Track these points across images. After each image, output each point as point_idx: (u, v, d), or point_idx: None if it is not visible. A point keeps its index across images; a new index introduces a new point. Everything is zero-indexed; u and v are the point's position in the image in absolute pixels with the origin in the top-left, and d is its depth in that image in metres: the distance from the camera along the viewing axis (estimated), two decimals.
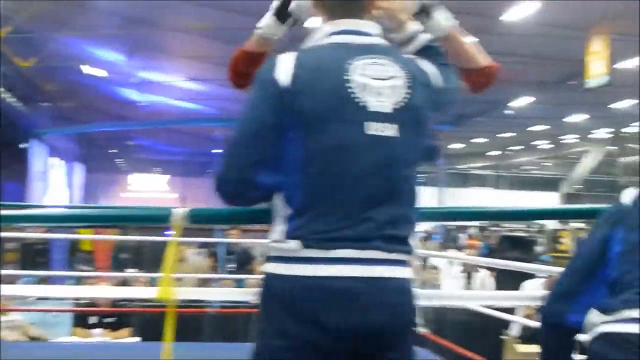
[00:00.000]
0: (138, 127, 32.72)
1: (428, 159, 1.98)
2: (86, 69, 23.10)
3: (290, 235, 1.78)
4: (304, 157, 1.79)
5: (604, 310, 1.82)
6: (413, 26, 2.13)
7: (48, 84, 24.41)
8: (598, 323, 1.82)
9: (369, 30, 1.94)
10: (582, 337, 1.93)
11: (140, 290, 3.04)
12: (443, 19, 2.20)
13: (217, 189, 1.87)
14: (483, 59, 2.39)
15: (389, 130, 1.79)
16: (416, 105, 1.85)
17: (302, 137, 1.79)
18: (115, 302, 7.09)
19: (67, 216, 3.77)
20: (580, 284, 1.94)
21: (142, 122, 31.59)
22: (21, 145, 25.64)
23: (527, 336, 6.91)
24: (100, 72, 24.07)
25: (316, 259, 1.75)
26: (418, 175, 1.90)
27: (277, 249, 1.80)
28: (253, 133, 1.83)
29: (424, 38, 2.12)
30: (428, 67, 1.96)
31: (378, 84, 1.81)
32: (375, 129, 1.78)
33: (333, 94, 1.79)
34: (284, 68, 1.82)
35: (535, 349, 6.55)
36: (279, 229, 1.82)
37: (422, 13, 2.19)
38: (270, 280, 1.81)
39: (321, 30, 1.95)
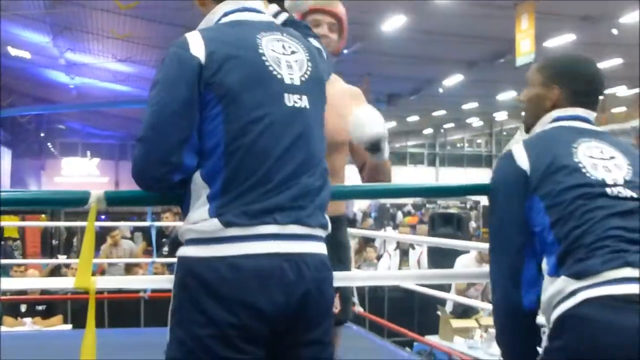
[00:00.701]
0: (67, 110, 32.06)
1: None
2: (10, 50, 22.59)
3: (213, 215, 1.71)
4: (226, 133, 1.74)
5: (579, 276, 1.81)
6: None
7: None
8: (573, 289, 1.81)
9: (263, 9, 1.97)
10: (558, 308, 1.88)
11: (63, 280, 2.98)
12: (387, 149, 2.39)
13: (139, 173, 1.80)
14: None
15: (302, 101, 1.83)
16: (319, 77, 1.92)
17: (222, 112, 1.75)
18: (44, 290, 6.96)
19: None
20: (519, 261, 1.96)
21: (71, 105, 31.02)
22: None
23: (460, 312, 7.06)
24: (24, 54, 23.55)
25: (239, 237, 1.70)
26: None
27: (197, 230, 1.73)
28: (175, 112, 1.74)
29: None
30: (315, 41, 2.05)
31: (287, 58, 1.85)
32: (292, 100, 1.80)
33: (253, 68, 1.79)
34: (197, 45, 1.77)
35: (468, 323, 6.73)
36: (199, 210, 1.75)
37: (374, 147, 2.35)
38: (191, 265, 1.73)
39: (218, 10, 1.91)
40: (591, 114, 2.14)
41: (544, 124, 2.14)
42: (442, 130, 41.57)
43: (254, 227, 1.71)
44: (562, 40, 19.89)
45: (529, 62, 15.53)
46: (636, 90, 29.28)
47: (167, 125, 1.75)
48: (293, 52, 1.87)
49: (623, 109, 31.52)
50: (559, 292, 1.83)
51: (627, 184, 1.93)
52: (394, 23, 18.30)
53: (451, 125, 39.74)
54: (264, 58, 1.80)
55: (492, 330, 6.19)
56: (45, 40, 21.79)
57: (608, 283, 1.78)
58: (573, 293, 1.80)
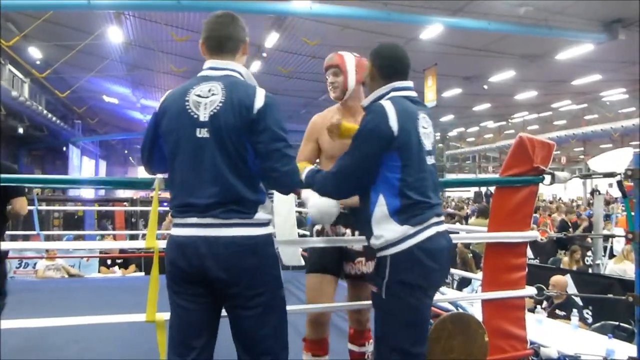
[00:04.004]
0: (141, 136, 31.87)
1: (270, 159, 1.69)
2: (105, 98, 22.49)
3: (171, 211, 1.77)
4: (167, 156, 1.77)
5: (415, 224, 1.78)
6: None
7: (79, 108, 23.55)
8: (413, 232, 1.78)
9: (227, 66, 1.78)
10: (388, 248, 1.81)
11: (138, 242, 2.95)
12: None
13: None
14: None
15: (205, 132, 1.67)
16: (224, 114, 1.67)
17: (163, 144, 1.78)
18: (123, 250, 6.86)
19: (84, 180, 3.73)
20: (355, 189, 1.88)
21: (144, 132, 30.85)
22: (63, 149, 24.87)
23: None
24: (114, 100, 23.39)
25: (177, 224, 1.71)
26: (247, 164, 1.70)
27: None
28: (145, 143, 1.86)
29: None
30: (260, 95, 1.72)
31: (203, 101, 1.70)
32: (200, 132, 1.68)
33: (177, 112, 1.72)
34: (160, 104, 1.81)
35: None
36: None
37: None
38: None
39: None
40: (410, 84, 1.95)
41: (383, 91, 1.91)
42: None
43: (183, 219, 1.70)
44: (452, 92, 20.06)
45: (433, 106, 15.67)
46: (500, 123, 29.65)
47: (142, 150, 1.89)
48: (213, 94, 1.70)
49: (490, 135, 31.81)
50: (403, 234, 1.79)
51: (432, 151, 1.89)
52: None
53: None
54: (186, 104, 1.70)
55: None
56: (127, 91, 21.64)
57: (429, 227, 1.81)
58: (414, 234, 1.79)
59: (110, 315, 2.14)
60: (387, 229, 1.80)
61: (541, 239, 2.46)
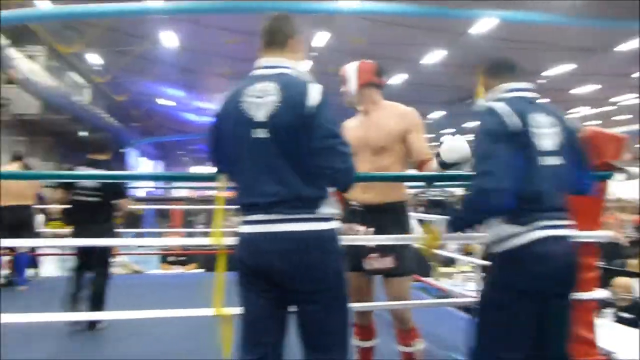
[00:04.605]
0: (196, 137, 32.53)
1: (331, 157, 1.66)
2: (160, 101, 23.17)
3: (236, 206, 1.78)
4: (228, 157, 1.77)
5: (522, 224, 1.72)
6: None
7: (136, 111, 24.38)
8: (512, 233, 1.72)
9: (280, 63, 1.77)
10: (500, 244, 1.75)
11: (202, 239, 3.06)
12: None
13: None
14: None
15: (264, 133, 1.67)
16: (282, 114, 1.66)
17: (223, 141, 1.77)
18: (184, 247, 7.06)
19: (156, 176, 4.16)
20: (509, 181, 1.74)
21: (198, 134, 31.49)
22: (121, 150, 25.79)
23: (445, 262, 6.91)
24: (170, 103, 24.06)
25: (243, 221, 1.74)
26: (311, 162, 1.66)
27: None
28: (209, 146, 1.86)
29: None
30: (314, 91, 1.69)
31: (259, 101, 1.68)
32: (257, 133, 1.67)
33: (231, 112, 1.72)
34: (218, 105, 1.81)
35: (450, 269, 6.51)
36: None
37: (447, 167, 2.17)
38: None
39: None
40: (525, 84, 1.90)
41: (495, 95, 1.90)
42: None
43: (249, 215, 1.72)
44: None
45: None
46: None
47: (209, 153, 1.89)
48: (269, 95, 1.68)
49: None
50: (509, 233, 1.74)
51: (556, 152, 1.79)
52: (395, 79, 18.11)
53: (435, 143, 39.12)
54: (241, 105, 1.70)
55: (468, 275, 6.07)
56: (182, 94, 22.20)
57: (540, 229, 1.73)
58: (520, 234, 1.73)
59: (177, 309, 2.22)
60: (496, 228, 1.78)
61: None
